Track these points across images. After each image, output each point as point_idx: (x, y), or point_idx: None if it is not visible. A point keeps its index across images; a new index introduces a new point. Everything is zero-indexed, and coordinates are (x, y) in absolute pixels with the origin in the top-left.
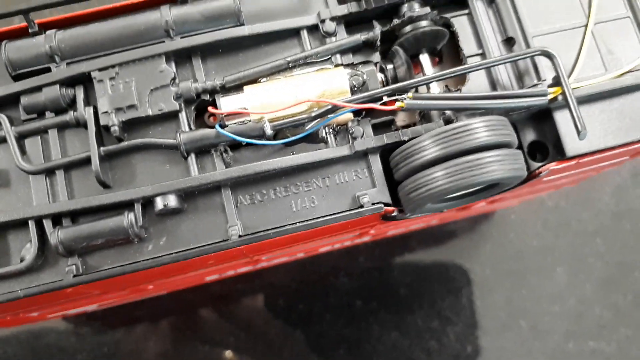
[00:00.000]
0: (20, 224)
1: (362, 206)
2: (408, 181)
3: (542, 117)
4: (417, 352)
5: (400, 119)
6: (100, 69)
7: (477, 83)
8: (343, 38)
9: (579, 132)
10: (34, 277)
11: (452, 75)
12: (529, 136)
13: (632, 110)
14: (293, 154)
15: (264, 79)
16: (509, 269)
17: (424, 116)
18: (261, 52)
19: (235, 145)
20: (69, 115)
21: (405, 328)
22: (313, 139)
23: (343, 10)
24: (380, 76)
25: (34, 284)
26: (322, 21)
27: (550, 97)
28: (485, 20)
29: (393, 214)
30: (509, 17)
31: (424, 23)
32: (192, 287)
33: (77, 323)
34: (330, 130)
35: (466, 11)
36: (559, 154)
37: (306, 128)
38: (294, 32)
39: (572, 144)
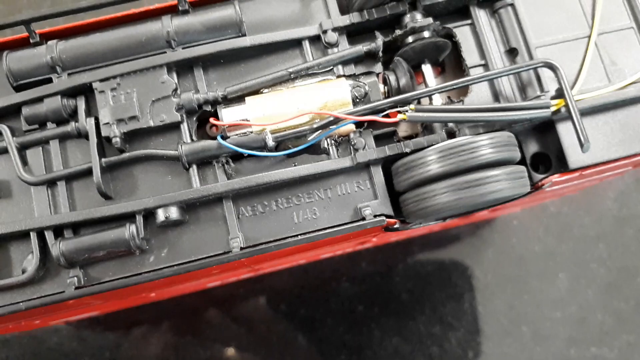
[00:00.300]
0: (21, 236)
1: (364, 218)
2: (410, 194)
3: (545, 129)
4: (419, 358)
5: (403, 130)
6: (101, 80)
7: (479, 94)
8: (345, 49)
9: (582, 145)
10: (35, 289)
11: (455, 87)
12: (532, 148)
13: (635, 122)
14: (295, 165)
15: (266, 90)
16: (511, 275)
17: (427, 127)
18: (263, 63)
19: (237, 156)
20: (71, 126)
21: (407, 333)
22: (315, 150)
23: (345, 20)
24: (382, 87)
25: (35, 295)
26: (324, 32)
27: (553, 109)
28: (488, 30)
29: (395, 226)
30: (512, 27)
31: (426, 34)
32: (193, 292)
33: (79, 327)
34: (332, 141)
35: (469, 21)
36: (562, 166)
37: (308, 139)
38: (296, 43)
39: (575, 156)
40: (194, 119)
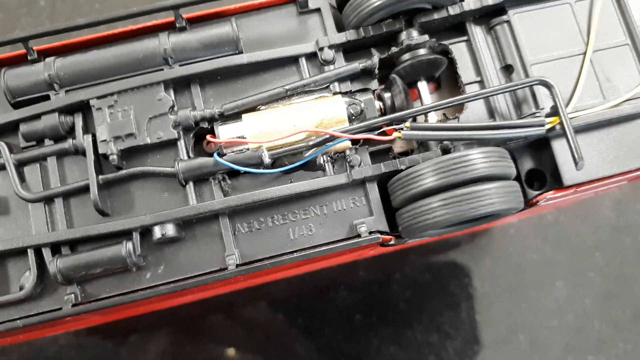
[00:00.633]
0: (19, 252)
1: (359, 235)
2: (406, 210)
3: (540, 146)
4: None
5: (398, 146)
6: (98, 97)
7: (475, 111)
8: (341, 66)
9: (576, 163)
10: (33, 305)
11: (450, 105)
12: (527, 164)
13: (630, 139)
14: (291, 182)
15: (263, 107)
16: (508, 284)
17: (422, 144)
18: (260, 80)
19: (233, 173)
20: (68, 143)
21: (405, 342)
22: (311, 166)
23: (341, 38)
24: (378, 104)
25: (33, 311)
26: (321, 49)
27: (547, 127)
28: (484, 47)
29: (391, 242)
30: (508, 44)
31: (422, 51)
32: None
33: (78, 335)
34: (328, 158)
35: (465, 38)
36: (557, 182)
37: (304, 156)
38: (293, 60)
39: (569, 173)
40: (191, 135)
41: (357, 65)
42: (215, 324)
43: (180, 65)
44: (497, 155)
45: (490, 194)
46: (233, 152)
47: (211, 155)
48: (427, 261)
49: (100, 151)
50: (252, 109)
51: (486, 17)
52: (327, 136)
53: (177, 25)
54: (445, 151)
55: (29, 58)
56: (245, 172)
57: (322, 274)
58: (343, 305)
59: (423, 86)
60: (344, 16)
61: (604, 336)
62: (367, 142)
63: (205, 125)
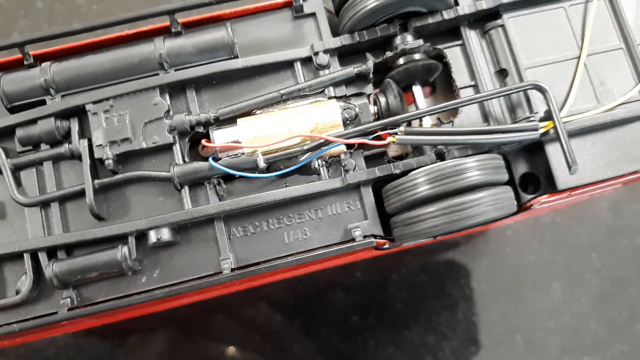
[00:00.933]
0: (15, 257)
1: (353, 239)
2: (400, 217)
3: (534, 150)
4: None
5: (393, 150)
6: (94, 102)
7: (469, 115)
8: (336, 70)
9: (569, 167)
10: (29, 309)
11: (445, 109)
12: (521, 168)
13: (623, 143)
14: (286, 186)
15: (258, 111)
16: (504, 285)
17: (416, 148)
18: (255, 84)
19: (228, 177)
20: (64, 148)
21: (402, 343)
22: (306, 170)
23: (336, 42)
24: (372, 108)
25: (29, 315)
26: (316, 54)
27: (541, 131)
28: (478, 51)
29: (385, 246)
30: (502, 48)
31: (416, 56)
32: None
33: (76, 336)
34: (323, 162)
35: (459, 42)
36: (551, 186)
37: (299, 160)
38: (288, 64)
39: (563, 177)
40: (186, 140)
41: (352, 69)
42: (212, 325)
43: (175, 70)
44: (490, 162)
45: (484, 202)
46: (228, 156)
47: (206, 159)
48: (424, 262)
49: (96, 156)
50: (248, 113)
51: (481, 21)
52: (322, 140)
53: (173, 29)
54: (440, 155)
55: (25, 63)
56: (241, 177)
57: (320, 275)
58: (340, 307)
59: (418, 90)
60: (339, 20)
61: (600, 337)
62: (362, 146)
63: (201, 129)
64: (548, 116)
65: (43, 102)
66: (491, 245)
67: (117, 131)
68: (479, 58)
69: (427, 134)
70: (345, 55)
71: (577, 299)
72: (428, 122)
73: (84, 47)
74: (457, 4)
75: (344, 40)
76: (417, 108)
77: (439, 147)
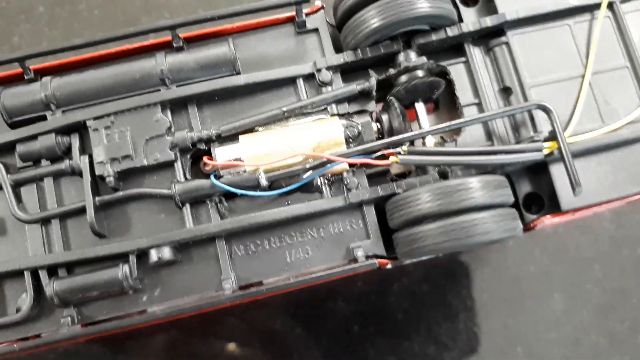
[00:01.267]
0: (16, 274)
1: (356, 260)
2: (403, 233)
3: (538, 170)
4: None
5: (396, 168)
6: (95, 118)
7: (472, 133)
8: (339, 87)
9: (574, 189)
10: (29, 327)
11: (448, 129)
12: (525, 188)
13: (628, 164)
14: (288, 204)
15: (260, 128)
16: (506, 295)
17: (419, 167)
18: (257, 100)
19: (230, 195)
20: (65, 164)
21: (402, 354)
22: (308, 188)
23: (339, 59)
24: (375, 126)
25: (30, 333)
26: (318, 70)
27: (546, 152)
28: (482, 68)
29: (387, 266)
30: (507, 66)
31: (420, 73)
32: None
33: (76, 342)
34: (326, 180)
35: (463, 59)
36: (554, 206)
37: (301, 178)
38: (290, 81)
39: (567, 198)
40: (188, 156)
41: (355, 87)
42: (210, 334)
43: (177, 86)
44: (494, 183)
45: (488, 223)
46: (230, 174)
47: (208, 176)
48: (425, 272)
49: (97, 173)
50: (250, 130)
51: (485, 38)
52: (324, 159)
53: (175, 45)
54: (443, 174)
55: (25, 77)
56: (242, 194)
57: (320, 285)
58: (341, 316)
59: (421, 107)
60: (342, 37)
61: (601, 349)
62: (365, 164)
63: (203, 146)
64: (552, 136)
65: (44, 118)
66: (493, 256)
67: (118, 148)
68: (483, 75)
69: (430, 154)
70: (348, 72)
71: (579, 310)
72: (431, 141)
73: (85, 61)
74: (461, 20)
75: (347, 57)
76: (420, 125)
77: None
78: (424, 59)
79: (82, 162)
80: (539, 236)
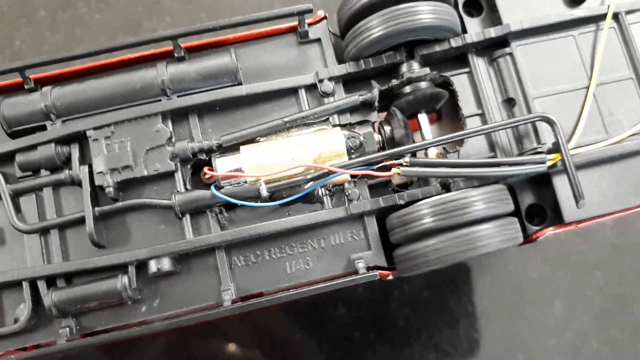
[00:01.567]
0: (14, 284)
1: (357, 272)
2: (404, 249)
3: (541, 181)
4: None
5: (397, 178)
6: (95, 128)
7: (475, 145)
8: (341, 98)
9: (577, 202)
10: (27, 338)
11: (451, 140)
12: (527, 199)
13: (632, 176)
14: (289, 214)
15: (262, 139)
16: (507, 302)
17: (421, 178)
18: (259, 110)
19: (230, 205)
20: (64, 174)
21: None
22: (309, 199)
23: (341, 70)
24: (377, 137)
25: (28, 344)
26: (320, 81)
27: (549, 164)
28: (485, 79)
29: (388, 277)
30: (510, 77)
31: (423, 84)
32: None
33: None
34: (327, 191)
35: (467, 70)
36: (557, 218)
37: (302, 189)
38: (292, 91)
39: (570, 210)
40: (189, 167)
41: (357, 97)
42: (209, 341)
43: (178, 96)
44: (496, 195)
45: (489, 234)
46: (230, 184)
47: (209, 186)
48: (426, 279)
49: (97, 183)
50: (251, 140)
51: (489, 48)
52: (326, 170)
53: (176, 54)
54: (445, 186)
55: (25, 87)
56: (243, 205)
57: None
58: (341, 323)
59: (423, 118)
60: (344, 46)
61: (602, 355)
62: (366, 175)
63: (203, 156)
64: (556, 148)
65: (43, 127)
66: (494, 262)
67: (118, 158)
68: (486, 86)
69: (432, 165)
70: (350, 82)
71: (580, 317)
72: (433, 152)
73: (86, 70)
74: (465, 31)
75: (349, 67)
76: (422, 136)
77: None
78: (427, 69)
79: (82, 172)
80: (541, 243)
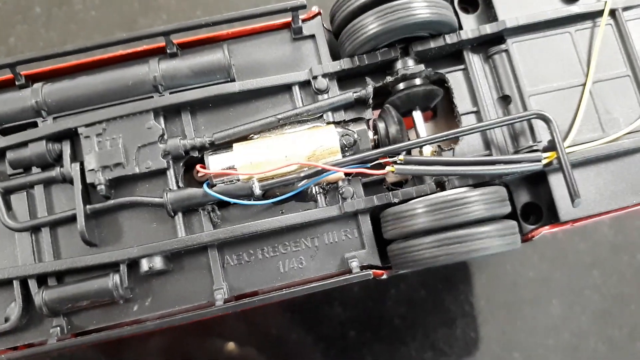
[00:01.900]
0: (5, 283)
1: (350, 271)
2: (398, 245)
3: (536, 179)
4: None
5: (392, 176)
6: (87, 125)
7: (470, 142)
8: (335, 95)
9: (572, 200)
10: (18, 337)
11: (446, 138)
12: (523, 198)
13: (628, 174)
14: (282, 213)
15: (255, 136)
16: (504, 301)
17: (416, 176)
18: (252, 107)
19: (223, 203)
20: (55, 171)
21: (399, 359)
22: (303, 197)
23: (336, 67)
24: (371, 134)
25: (18, 343)
26: (314, 77)
27: (544, 162)
28: (481, 76)
29: (382, 276)
30: (506, 74)
31: (417, 81)
32: None
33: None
34: (321, 189)
35: (462, 66)
36: (553, 217)
37: (296, 187)
38: (286, 88)
39: (566, 209)
40: (181, 164)
41: (351, 94)
42: (205, 341)
43: (170, 93)
44: (493, 196)
45: (487, 236)
46: (223, 182)
47: (201, 184)
48: (423, 277)
49: (88, 180)
50: (244, 137)
51: (484, 45)
52: (319, 168)
53: (168, 50)
54: (440, 184)
55: (16, 83)
56: (236, 203)
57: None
58: (337, 322)
59: (418, 116)
60: (339, 43)
61: (599, 355)
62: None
63: (196, 154)
64: (552, 146)
65: (34, 124)
66: (491, 261)
67: (110, 155)
68: (482, 83)
69: (427, 163)
70: (344, 78)
71: (577, 316)
72: (428, 150)
73: (77, 67)
74: (460, 28)
75: (343, 64)
76: (417, 134)
77: None
78: (422, 66)
79: (73, 169)
80: (538, 242)
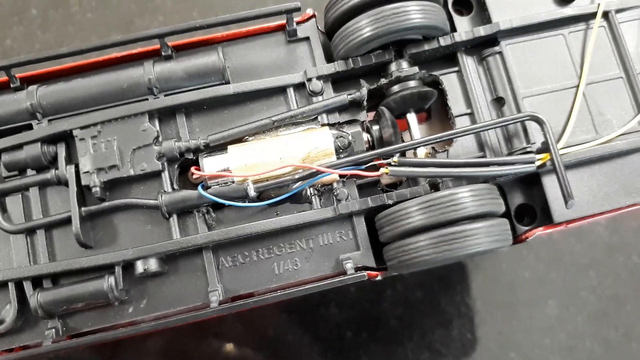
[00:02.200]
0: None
1: (345, 272)
2: (393, 246)
3: (530, 181)
4: None
5: (386, 178)
6: (82, 127)
7: (464, 144)
8: (329, 97)
9: (566, 202)
10: (13, 339)
11: (440, 140)
12: (517, 199)
13: (622, 175)
14: (277, 214)
15: (249, 138)
16: (500, 301)
17: (410, 178)
18: (246, 110)
19: (218, 205)
20: (50, 174)
21: None
22: (298, 199)
23: (330, 69)
24: (366, 136)
25: (14, 345)
26: (309, 80)
27: (538, 164)
28: (475, 78)
29: (377, 278)
30: (500, 76)
31: (412, 83)
32: None
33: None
34: (315, 190)
35: (456, 69)
36: (547, 218)
37: (291, 188)
38: (280, 90)
39: (560, 210)
40: (176, 166)
41: (346, 97)
42: (201, 343)
43: (165, 95)
44: (485, 194)
45: (479, 233)
46: (218, 184)
47: (196, 186)
48: (419, 278)
49: (83, 183)
50: (238, 140)
51: (478, 47)
52: (314, 170)
53: (163, 53)
54: (434, 186)
55: (11, 85)
56: (230, 205)
57: None
58: (334, 323)
59: (412, 118)
60: (333, 45)
61: (595, 355)
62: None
63: (190, 156)
64: (545, 148)
65: (29, 127)
66: (487, 262)
67: (105, 158)
68: (476, 85)
69: (421, 165)
70: (339, 81)
71: (573, 317)
72: (422, 151)
73: (72, 69)
74: (454, 30)
75: (337, 66)
76: (411, 135)
77: None
78: (416, 68)
79: (68, 172)
80: (534, 243)
